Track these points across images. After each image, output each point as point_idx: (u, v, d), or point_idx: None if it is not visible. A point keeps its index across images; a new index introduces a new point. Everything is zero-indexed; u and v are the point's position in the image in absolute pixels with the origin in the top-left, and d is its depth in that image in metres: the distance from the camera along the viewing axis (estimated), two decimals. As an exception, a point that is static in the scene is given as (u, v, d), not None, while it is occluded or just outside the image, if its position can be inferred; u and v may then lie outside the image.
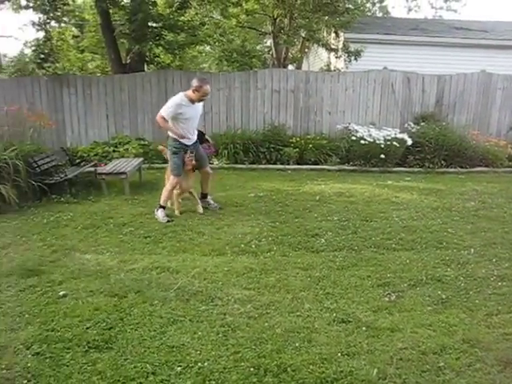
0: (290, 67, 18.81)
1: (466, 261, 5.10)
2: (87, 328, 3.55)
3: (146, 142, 11.54)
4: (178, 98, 6.37)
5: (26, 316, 3.75)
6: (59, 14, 12.47)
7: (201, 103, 6.64)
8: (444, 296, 4.20)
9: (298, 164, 11.12)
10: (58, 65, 13.80)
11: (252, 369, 3.06)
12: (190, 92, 6.34)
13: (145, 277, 4.53)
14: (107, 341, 3.38)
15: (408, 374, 3.04)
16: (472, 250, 5.44)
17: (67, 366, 3.10)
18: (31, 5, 12.19)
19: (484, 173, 10.97)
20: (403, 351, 3.30)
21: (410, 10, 31.96)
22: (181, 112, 6.31)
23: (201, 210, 6.88)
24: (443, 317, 3.82)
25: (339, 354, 3.24)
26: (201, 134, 6.82)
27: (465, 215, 6.99)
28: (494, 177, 10.54)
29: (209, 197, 7.17)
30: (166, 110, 6.33)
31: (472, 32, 16.51)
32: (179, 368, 3.07)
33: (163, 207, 6.62)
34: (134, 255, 5.15)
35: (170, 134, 6.57)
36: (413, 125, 12.05)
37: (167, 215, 6.55)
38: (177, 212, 6.81)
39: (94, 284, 4.36)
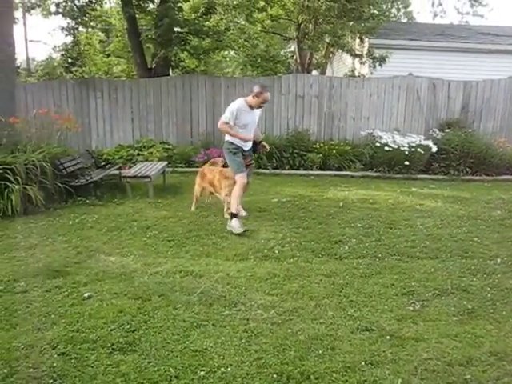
0: (314, 73, 18.81)
1: (493, 271, 5.00)
2: (111, 330, 3.58)
3: (170, 146, 11.69)
4: (238, 102, 6.32)
5: (52, 316, 3.80)
6: (87, 19, 12.73)
7: (259, 110, 6.59)
8: (470, 306, 4.12)
9: (322, 170, 11.10)
10: (84, 69, 14.05)
11: (275, 375, 3.05)
12: (249, 98, 6.33)
13: (168, 280, 4.55)
14: (131, 343, 3.40)
15: (433, 386, 3.00)
16: (498, 260, 5.33)
17: (92, 366, 3.13)
18: (60, 10, 12.45)
19: (511, 181, 10.78)
20: (428, 362, 3.25)
21: (435, 15, 31.99)
22: (239, 118, 6.26)
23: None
24: (469, 328, 3.75)
25: (363, 363, 3.20)
26: (254, 143, 6.68)
27: (491, 224, 6.88)
28: (522, 185, 10.34)
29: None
30: (226, 116, 6.26)
31: (499, 37, 16.31)
32: (202, 372, 3.07)
33: (235, 215, 6.24)
34: (157, 258, 5.19)
35: (227, 138, 6.47)
36: (438, 131, 11.94)
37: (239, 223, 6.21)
38: (193, 208, 6.97)
39: (118, 286, 4.40)
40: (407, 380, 3.03)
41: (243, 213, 6.58)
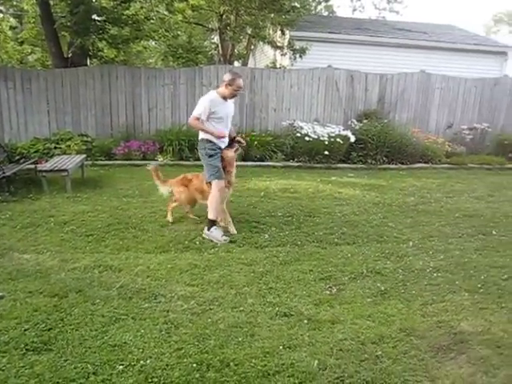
0: (236, 64, 18.83)
1: (405, 253, 5.30)
2: (25, 330, 3.44)
3: (89, 139, 11.30)
4: (210, 95, 5.78)
5: (-41, 320, 3.60)
6: (-5, 3, 11.98)
7: (232, 101, 6.02)
8: (383, 288, 4.34)
9: (244, 160, 11.11)
10: (-6, 57, 13.24)
11: (195, 365, 3.07)
12: (221, 88, 5.79)
13: (86, 276, 4.43)
14: (46, 342, 3.29)
15: (347, 364, 3.13)
16: (411, 243, 5.66)
17: (2, 370, 2.99)
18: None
19: (423, 169, 11.43)
20: (343, 342, 3.39)
21: (354, 10, 32.77)
22: (214, 110, 5.66)
23: (234, 230, 5.91)
24: (382, 308, 3.96)
25: (281, 347, 3.29)
26: (230, 139, 6.04)
27: (405, 210, 7.25)
28: (433, 173, 11.02)
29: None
30: (198, 110, 5.67)
31: (412, 33, 17.13)
32: (121, 367, 3.03)
33: (214, 222, 5.72)
34: (75, 254, 5.03)
35: (201, 135, 5.85)
36: (356, 122, 12.38)
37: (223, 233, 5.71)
38: (170, 218, 6.30)
39: (33, 284, 4.23)
40: (323, 361, 3.16)
41: (233, 230, 5.91)
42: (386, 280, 4.55)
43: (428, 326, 3.66)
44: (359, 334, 3.50)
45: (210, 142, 5.78)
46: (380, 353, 3.28)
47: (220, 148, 5.85)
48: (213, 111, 5.68)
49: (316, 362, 3.14)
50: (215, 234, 5.63)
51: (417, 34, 17.15)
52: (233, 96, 5.90)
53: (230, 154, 5.92)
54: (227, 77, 5.76)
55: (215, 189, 5.71)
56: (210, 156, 5.76)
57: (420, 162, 11.90)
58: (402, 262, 5.04)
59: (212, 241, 5.56)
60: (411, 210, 7.29)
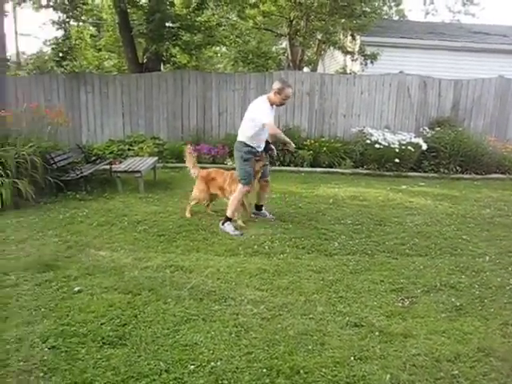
0: (306, 69, 18.81)
1: (481, 268, 5.05)
2: (102, 324, 3.58)
3: (161, 142, 11.64)
4: (264, 100, 5.96)
5: (42, 310, 3.79)
6: (78, 13, 12.63)
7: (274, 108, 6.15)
8: (458, 303, 4.15)
9: (312, 166, 11.11)
10: (75, 63, 13.93)
11: (264, 370, 3.06)
12: (271, 95, 5.96)
13: (158, 275, 4.55)
14: (121, 337, 3.40)
15: (421, 381, 3.01)
16: (487, 258, 5.39)
17: (82, 360, 3.13)
18: (51, 4, 12.33)
19: (500, 180, 10.89)
20: (416, 357, 3.28)
21: (427, 13, 31.98)
22: None
23: (241, 223, 6.38)
24: (457, 324, 3.78)
25: (352, 358, 3.23)
26: (266, 143, 6.35)
27: (480, 222, 6.93)
28: (510, 184, 10.44)
29: (263, 208, 6.86)
30: (267, 118, 5.82)
31: (490, 37, 16.39)
32: (192, 367, 3.08)
33: (230, 219, 6.13)
34: (148, 253, 5.19)
35: (241, 137, 6.12)
36: (428, 129, 12.01)
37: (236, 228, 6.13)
38: (188, 214, 6.68)
39: (108, 280, 4.39)
40: (396, 375, 3.06)
41: (240, 222, 6.34)
42: (461, 295, 4.34)
43: (509, 348, 3.44)
44: (433, 351, 3.36)
45: (249, 145, 6.07)
46: (456, 372, 3.12)
47: (257, 152, 6.15)
48: None
49: (388, 376, 3.04)
50: (227, 228, 6.04)
51: (495, 37, 16.37)
52: (281, 104, 6.14)
53: (256, 167, 6.21)
54: (276, 85, 5.94)
55: (239, 191, 6.10)
56: (245, 160, 6.07)
57: (496, 173, 11.35)
58: (478, 277, 4.79)
59: (229, 233, 5.96)
60: (487, 222, 6.96)
